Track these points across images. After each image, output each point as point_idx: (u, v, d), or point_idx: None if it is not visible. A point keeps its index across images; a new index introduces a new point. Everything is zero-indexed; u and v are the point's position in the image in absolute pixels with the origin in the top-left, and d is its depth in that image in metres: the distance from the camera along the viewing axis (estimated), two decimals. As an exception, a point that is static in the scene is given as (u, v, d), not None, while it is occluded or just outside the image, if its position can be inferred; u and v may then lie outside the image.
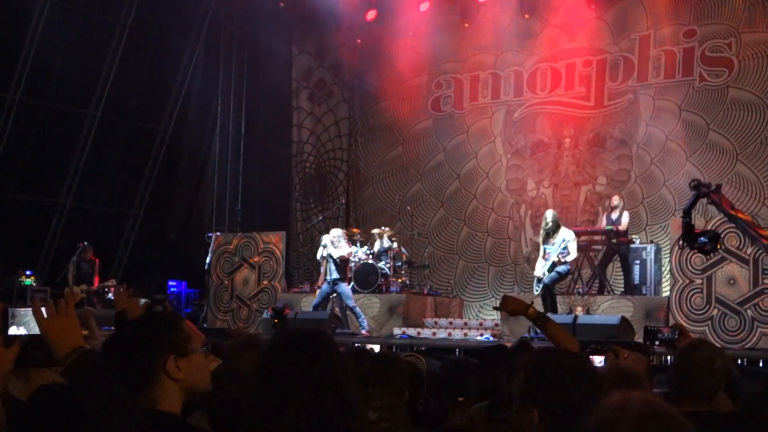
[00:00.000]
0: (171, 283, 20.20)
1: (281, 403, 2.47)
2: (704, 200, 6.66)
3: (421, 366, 6.15)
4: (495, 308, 5.12)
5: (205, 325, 17.48)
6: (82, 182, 20.11)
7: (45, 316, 2.90)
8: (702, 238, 6.69)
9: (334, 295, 16.16)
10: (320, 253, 16.34)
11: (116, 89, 20.10)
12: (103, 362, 2.85)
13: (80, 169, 20.07)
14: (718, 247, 6.80)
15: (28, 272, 18.46)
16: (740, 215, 6.56)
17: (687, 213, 6.82)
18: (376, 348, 12.86)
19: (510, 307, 4.85)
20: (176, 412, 3.04)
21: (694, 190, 6.74)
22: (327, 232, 16.92)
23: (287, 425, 2.44)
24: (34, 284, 18.27)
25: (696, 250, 6.82)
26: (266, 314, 16.16)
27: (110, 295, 17.74)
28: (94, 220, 20.27)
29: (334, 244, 15.89)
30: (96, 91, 20.05)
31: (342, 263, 15.87)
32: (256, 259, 18.27)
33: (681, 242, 6.85)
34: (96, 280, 18.32)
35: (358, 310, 15.79)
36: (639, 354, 4.83)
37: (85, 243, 18.33)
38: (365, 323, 15.73)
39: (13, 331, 3.18)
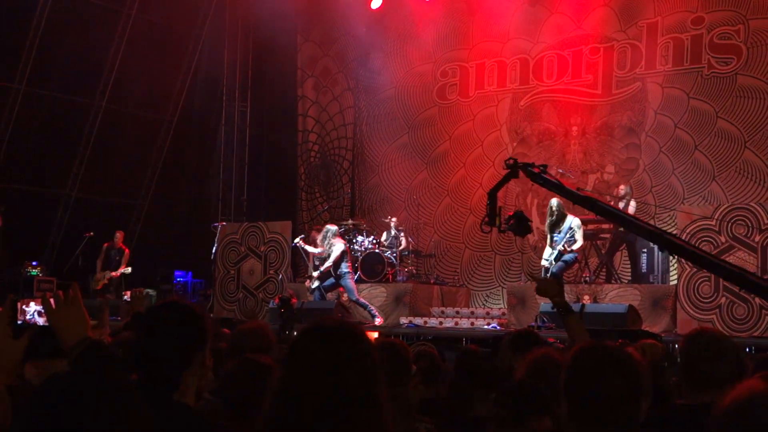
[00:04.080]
0: (177, 273, 20.22)
1: (309, 391, 2.45)
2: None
3: (435, 354, 6.17)
4: (530, 278, 5.31)
5: (211, 315, 17.50)
6: (87, 173, 20.15)
7: (53, 307, 2.91)
8: (512, 221, 6.72)
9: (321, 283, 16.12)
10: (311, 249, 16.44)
11: (121, 79, 20.11)
12: (110, 353, 2.85)
13: (86, 159, 20.11)
14: (527, 226, 6.81)
15: (33, 263, 18.50)
16: (590, 195, 6.53)
17: (493, 193, 6.86)
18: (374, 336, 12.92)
19: (543, 286, 4.92)
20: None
21: (509, 168, 6.71)
22: (333, 221, 16.93)
23: (313, 414, 2.43)
24: (40, 274, 18.31)
25: (507, 231, 6.85)
26: (272, 304, 16.17)
27: (126, 297, 17.66)
28: (100, 211, 20.30)
29: (321, 240, 15.86)
30: (101, 81, 20.06)
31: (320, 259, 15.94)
32: (261, 248, 18.29)
33: (485, 221, 6.87)
34: (121, 269, 18.38)
35: (363, 301, 15.84)
36: (654, 341, 4.85)
37: (91, 233, 18.40)
38: (375, 311, 15.70)
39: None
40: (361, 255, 17.03)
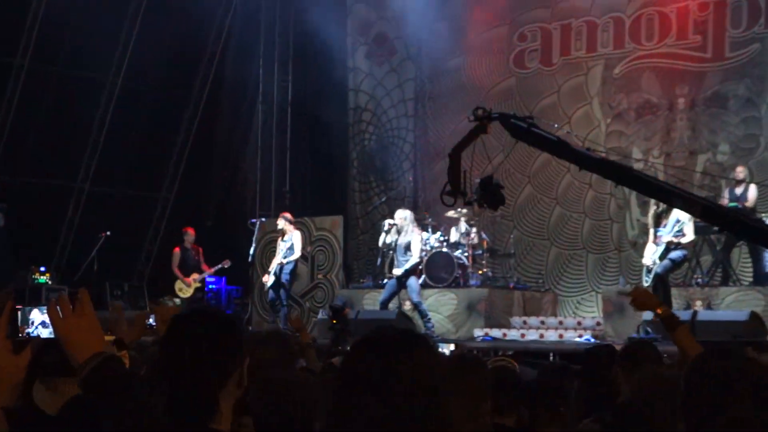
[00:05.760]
0: (209, 279, 20.35)
1: (365, 419, 2.44)
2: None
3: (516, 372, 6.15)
4: (621, 293, 5.25)
5: (250, 328, 17.58)
6: (102, 162, 20.37)
7: (60, 316, 2.91)
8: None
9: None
10: (382, 239, 16.37)
11: (139, 53, 20.25)
12: (127, 371, 2.84)
13: (99, 146, 20.30)
14: (500, 196, 6.67)
15: (42, 268, 18.73)
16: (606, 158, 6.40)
17: (455, 153, 6.71)
18: (449, 349, 12.87)
19: (640, 299, 4.85)
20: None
21: (476, 120, 6.54)
22: (391, 215, 16.91)
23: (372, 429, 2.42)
24: (49, 282, 18.54)
25: (477, 203, 6.74)
26: (322, 314, 16.22)
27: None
28: (117, 207, 20.53)
29: (400, 228, 15.89)
30: (115, 56, 20.22)
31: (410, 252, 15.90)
32: (308, 249, 18.32)
33: (446, 191, 6.79)
34: (204, 268, 18.55)
35: (424, 307, 15.82)
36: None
37: (107, 233, 18.59)
38: (430, 324, 15.69)
39: None
40: (426, 255, 16.98)
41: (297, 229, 17.37)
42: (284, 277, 16.93)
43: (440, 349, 12.54)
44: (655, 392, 4.03)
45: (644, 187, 7.37)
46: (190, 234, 18.64)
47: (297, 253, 17.14)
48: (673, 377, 3.95)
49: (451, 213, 17.77)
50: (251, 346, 5.10)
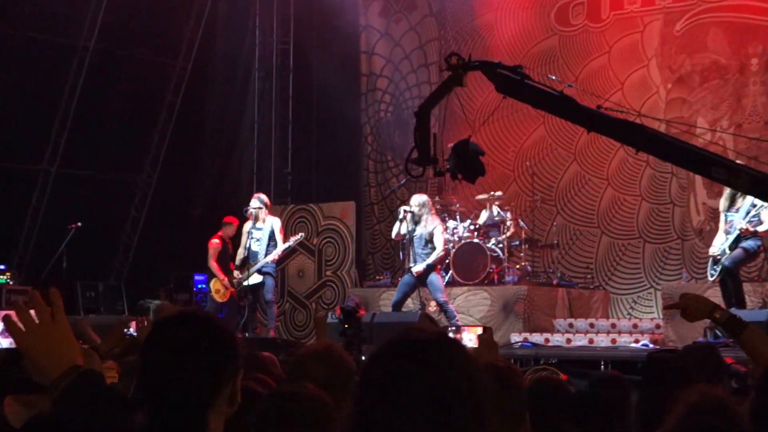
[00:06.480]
0: (197, 277, 20.31)
1: (393, 421, 2.42)
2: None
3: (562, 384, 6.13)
4: (667, 308, 5.23)
5: (247, 334, 17.57)
6: (71, 140, 20.32)
7: (22, 327, 2.88)
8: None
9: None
10: (396, 229, 16.34)
11: (114, 12, 20.21)
12: (108, 387, 2.82)
13: (69, 121, 20.27)
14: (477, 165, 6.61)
15: (1, 266, 18.73)
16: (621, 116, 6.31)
17: (423, 111, 6.64)
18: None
19: (690, 308, 4.83)
20: None
21: (449, 70, 6.47)
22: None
23: None
24: (10, 282, 18.53)
25: (450, 173, 6.68)
26: (332, 317, 16.20)
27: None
28: (90, 193, 20.50)
29: (418, 217, 15.87)
30: (87, 16, 20.18)
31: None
32: (315, 241, 18.31)
33: (412, 159, 6.75)
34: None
35: (450, 307, 15.83)
36: None
37: (78, 224, 18.58)
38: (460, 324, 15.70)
39: None
40: (453, 247, 16.94)
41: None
42: (267, 286, 16.80)
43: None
44: (701, 423, 3.87)
45: (673, 154, 7.20)
46: (233, 226, 18.32)
47: (282, 246, 16.96)
48: (728, 405, 3.79)
49: (482, 196, 17.75)
50: (297, 365, 5.12)
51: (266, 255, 16.57)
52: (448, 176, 18.10)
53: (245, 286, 17.09)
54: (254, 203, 17.08)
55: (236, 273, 17.20)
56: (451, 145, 6.36)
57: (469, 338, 11.15)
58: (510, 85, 5.75)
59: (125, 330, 6.81)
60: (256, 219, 17.00)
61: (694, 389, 4.16)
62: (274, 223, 16.99)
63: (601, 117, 5.95)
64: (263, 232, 16.89)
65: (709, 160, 5.87)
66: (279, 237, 16.94)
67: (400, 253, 17.38)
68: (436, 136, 6.46)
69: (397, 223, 16.34)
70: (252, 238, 16.95)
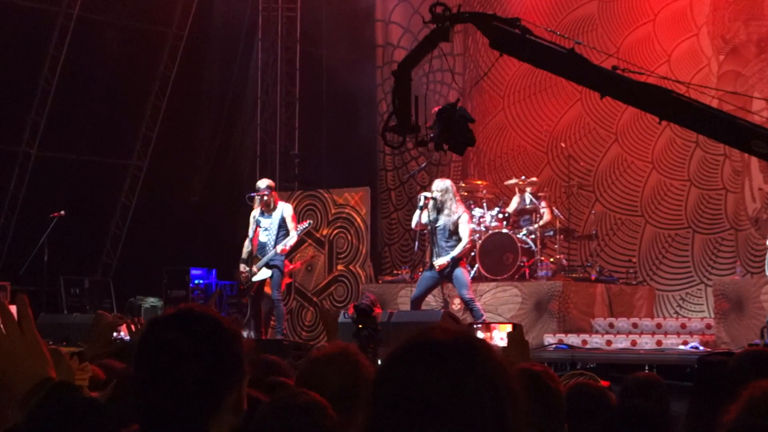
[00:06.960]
0: (194, 271, 20.38)
1: (410, 430, 2.42)
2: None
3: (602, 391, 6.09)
4: None
5: (251, 334, 17.60)
6: (53, 120, 20.35)
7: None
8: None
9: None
10: (416, 218, 16.32)
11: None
12: (86, 398, 2.80)
13: (50, 97, 20.31)
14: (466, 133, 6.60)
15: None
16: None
17: (403, 68, 6.62)
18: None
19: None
20: None
21: (435, 21, 6.42)
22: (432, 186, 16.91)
23: None
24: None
25: (435, 143, 6.66)
26: (345, 316, 16.20)
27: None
28: (74, 178, 20.55)
29: (441, 204, 15.86)
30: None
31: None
32: (325, 232, 18.32)
33: (390, 126, 6.74)
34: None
35: (477, 305, 15.82)
36: None
37: (61, 212, 18.59)
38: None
39: None
40: (480, 238, 16.92)
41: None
42: (275, 280, 16.70)
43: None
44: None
45: (704, 124, 7.06)
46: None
47: (294, 235, 16.84)
48: None
49: (512, 181, 17.75)
50: (310, 371, 5.11)
51: (275, 246, 16.47)
52: (474, 158, 18.19)
53: (251, 282, 17.03)
54: (262, 185, 16.91)
55: (242, 267, 17.08)
56: (435, 109, 6.32)
57: (500, 337, 11.17)
58: (508, 40, 5.65)
59: (114, 334, 6.77)
60: (266, 205, 16.85)
61: (756, 385, 4.12)
62: (285, 209, 16.82)
63: (617, 78, 5.85)
64: (272, 220, 16.77)
65: (748, 131, 5.70)
66: (291, 225, 16.73)
67: (415, 244, 17.35)
68: (418, 99, 6.40)
69: (418, 212, 16.30)
70: (260, 227, 16.87)
